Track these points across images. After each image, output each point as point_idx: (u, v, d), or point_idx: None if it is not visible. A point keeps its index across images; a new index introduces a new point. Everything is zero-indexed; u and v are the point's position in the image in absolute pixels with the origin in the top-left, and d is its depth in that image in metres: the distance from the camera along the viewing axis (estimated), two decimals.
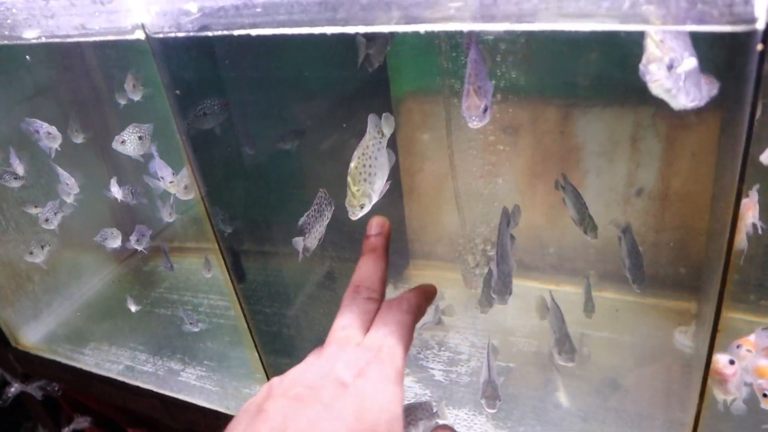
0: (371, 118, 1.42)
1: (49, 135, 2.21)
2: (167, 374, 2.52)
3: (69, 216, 2.55)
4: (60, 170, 2.36)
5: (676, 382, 2.01)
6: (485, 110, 1.34)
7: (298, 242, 1.74)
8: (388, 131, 1.46)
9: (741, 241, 1.73)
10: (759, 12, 0.92)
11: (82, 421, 3.21)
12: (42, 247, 2.59)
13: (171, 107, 1.70)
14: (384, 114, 1.46)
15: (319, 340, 2.37)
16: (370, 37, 1.89)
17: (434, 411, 1.94)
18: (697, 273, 2.28)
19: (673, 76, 1.02)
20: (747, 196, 1.71)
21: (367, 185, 1.42)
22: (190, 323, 2.50)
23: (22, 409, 3.42)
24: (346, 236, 2.20)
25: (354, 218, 1.45)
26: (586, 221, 1.99)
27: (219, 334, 2.63)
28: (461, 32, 1.61)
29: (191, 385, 2.43)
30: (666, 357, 2.12)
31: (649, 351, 2.16)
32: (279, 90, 2.14)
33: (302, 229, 1.75)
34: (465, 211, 2.43)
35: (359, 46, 1.92)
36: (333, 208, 1.77)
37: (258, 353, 2.04)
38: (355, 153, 1.42)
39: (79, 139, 2.48)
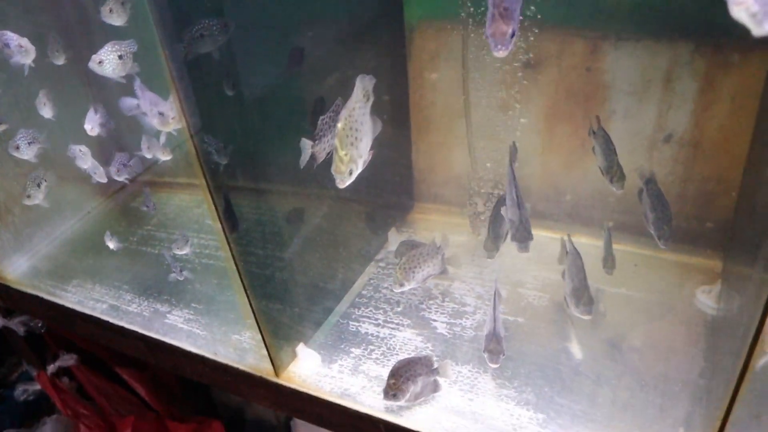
0: (360, 80, 1.36)
1: (21, 49, 1.98)
2: (153, 315, 2.38)
3: (51, 146, 2.36)
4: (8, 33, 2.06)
5: (696, 345, 1.87)
6: (512, 36, 1.16)
7: (306, 144, 1.58)
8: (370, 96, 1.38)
9: None
10: None
11: (68, 359, 3.11)
12: (39, 185, 2.38)
13: (156, 28, 1.50)
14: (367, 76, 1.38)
15: (313, 285, 2.22)
16: None
17: (434, 367, 1.80)
18: (725, 229, 2.12)
19: None
20: None
21: (353, 150, 1.35)
22: (174, 272, 2.33)
23: (5, 344, 3.32)
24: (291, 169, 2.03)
25: (342, 185, 1.35)
26: (614, 170, 1.80)
27: (208, 275, 2.47)
28: None
29: (178, 327, 2.29)
30: (687, 318, 1.97)
31: (668, 310, 2.01)
32: (282, 14, 1.92)
33: (315, 132, 1.60)
34: (476, 152, 2.24)
35: None
36: None
37: (248, 297, 1.88)
38: (342, 113, 1.33)
39: (60, 60, 2.24)
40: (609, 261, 1.92)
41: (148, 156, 2.16)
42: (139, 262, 2.67)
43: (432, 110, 2.35)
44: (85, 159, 2.23)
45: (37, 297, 2.63)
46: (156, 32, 1.52)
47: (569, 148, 2.22)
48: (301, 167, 1.58)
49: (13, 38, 1.97)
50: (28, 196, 2.36)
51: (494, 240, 2.04)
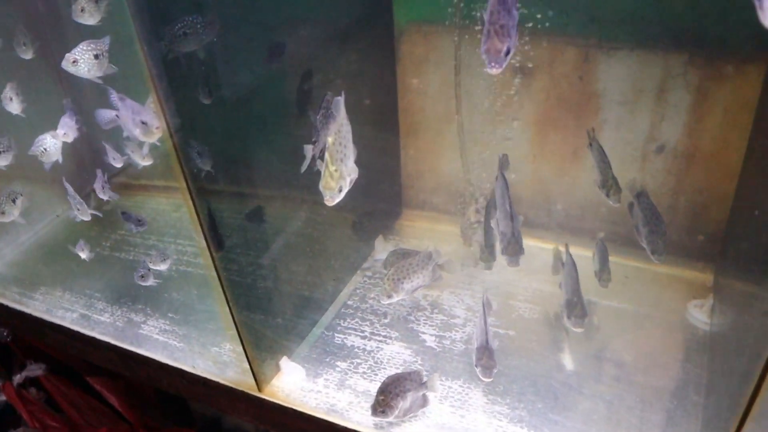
0: (338, 103, 1.36)
1: None
2: (127, 326, 2.27)
3: (19, 145, 2.24)
4: None
5: (690, 360, 1.84)
6: (507, 53, 1.13)
7: (308, 150, 1.56)
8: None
9: None
10: None
11: (36, 369, 2.97)
12: (14, 201, 2.25)
13: (134, 23, 1.41)
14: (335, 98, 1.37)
15: (297, 295, 2.13)
16: None
17: (423, 381, 1.74)
18: (716, 242, 2.10)
19: None
20: None
21: (342, 166, 1.34)
22: (141, 276, 2.19)
23: None
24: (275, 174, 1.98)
25: (331, 203, 1.35)
26: (609, 183, 1.77)
27: (186, 284, 2.37)
28: None
29: (153, 339, 2.20)
30: (679, 332, 1.94)
31: (660, 325, 1.98)
32: (269, 15, 1.84)
33: (315, 130, 1.58)
34: (468, 159, 2.19)
35: None
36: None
37: (229, 307, 1.80)
38: (330, 128, 1.34)
39: (28, 55, 2.11)
40: (605, 274, 1.89)
41: (146, 164, 2.05)
42: (112, 268, 2.55)
43: (421, 116, 2.30)
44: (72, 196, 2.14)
45: (2, 305, 2.50)
46: (134, 27, 1.43)
47: (560, 157, 2.19)
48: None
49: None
50: (2, 213, 2.23)
51: (490, 251, 1.99)
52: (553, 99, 2.12)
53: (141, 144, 1.97)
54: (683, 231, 2.14)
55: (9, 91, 2.07)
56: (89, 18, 1.78)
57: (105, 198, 2.15)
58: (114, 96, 1.82)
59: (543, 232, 2.29)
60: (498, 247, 1.92)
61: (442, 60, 2.15)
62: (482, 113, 2.16)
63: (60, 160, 2.13)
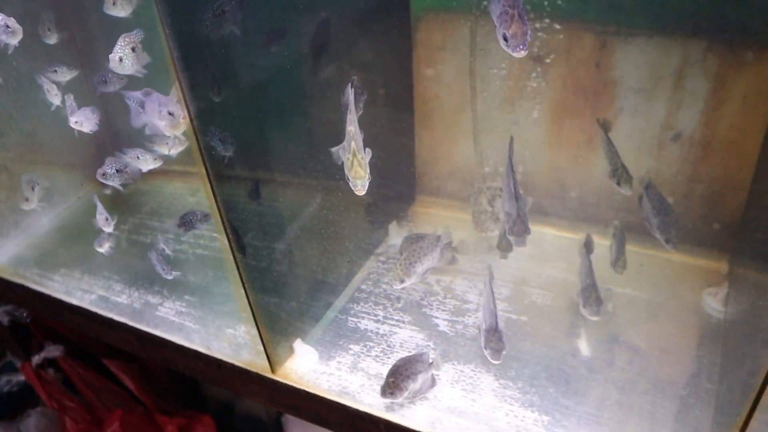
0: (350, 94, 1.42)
1: (7, 29, 1.86)
2: (144, 307, 2.31)
3: (42, 129, 2.27)
4: None
5: (703, 348, 1.83)
6: (529, 36, 1.17)
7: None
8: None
9: None
10: None
11: (54, 350, 3.03)
12: (32, 188, 2.28)
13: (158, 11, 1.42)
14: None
15: (312, 279, 2.15)
16: None
17: (430, 362, 1.76)
18: (732, 231, 2.08)
19: None
20: None
21: (366, 155, 1.37)
22: (163, 270, 2.21)
23: None
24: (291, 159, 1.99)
25: (362, 192, 1.37)
26: (619, 172, 1.78)
27: (202, 267, 2.40)
28: None
29: (170, 321, 2.23)
30: (693, 320, 1.93)
31: (675, 312, 1.97)
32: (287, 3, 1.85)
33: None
34: (482, 146, 2.19)
35: None
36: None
37: (245, 290, 1.82)
38: (350, 117, 1.37)
39: (52, 40, 2.14)
40: (621, 261, 1.89)
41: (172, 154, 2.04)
42: (130, 251, 2.59)
43: (436, 102, 2.30)
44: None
45: (22, 286, 2.55)
46: (158, 12, 1.44)
47: (576, 144, 2.18)
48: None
49: None
50: (27, 200, 2.30)
51: (508, 240, 1.99)
52: (569, 86, 2.11)
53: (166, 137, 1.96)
54: (699, 219, 2.13)
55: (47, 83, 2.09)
56: (121, 11, 1.79)
57: (115, 185, 2.12)
58: (139, 94, 1.83)
59: (557, 220, 2.29)
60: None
61: (458, 47, 2.15)
62: (497, 100, 2.16)
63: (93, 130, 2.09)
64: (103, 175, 2.02)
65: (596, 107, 2.10)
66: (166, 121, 1.78)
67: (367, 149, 1.39)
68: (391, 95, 2.25)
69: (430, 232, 1.91)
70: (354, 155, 1.34)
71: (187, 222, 2.15)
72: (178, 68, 1.50)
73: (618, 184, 1.74)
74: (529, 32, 1.15)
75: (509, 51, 1.16)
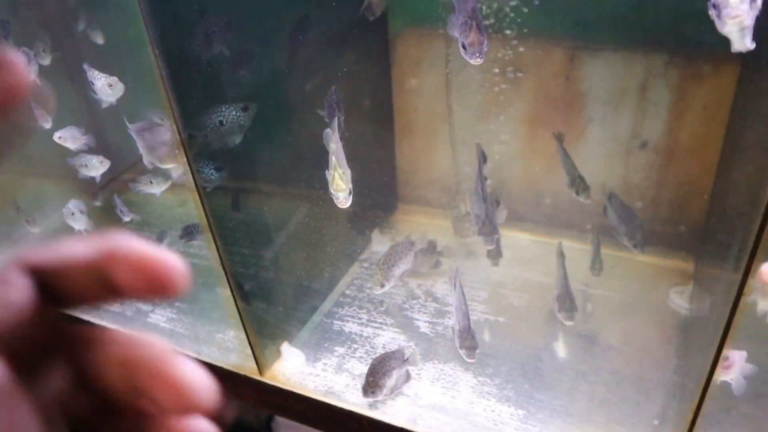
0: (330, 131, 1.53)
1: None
2: (135, 314, 2.38)
3: (32, 143, 2.34)
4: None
5: (670, 343, 1.94)
6: (485, 45, 1.29)
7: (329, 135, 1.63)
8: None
9: None
10: None
11: None
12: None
13: (147, 34, 1.51)
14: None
15: (297, 284, 2.24)
16: None
17: (406, 358, 1.85)
18: (697, 232, 2.20)
19: (753, 11, 0.89)
20: None
21: (346, 169, 1.46)
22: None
23: None
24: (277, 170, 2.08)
25: (345, 204, 1.47)
26: (577, 182, 1.90)
27: (192, 274, 2.47)
28: None
29: (161, 327, 2.30)
30: (661, 317, 2.04)
31: (644, 310, 2.08)
32: (267, 17, 1.95)
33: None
34: (459, 155, 2.29)
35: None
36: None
37: (233, 296, 1.90)
38: (336, 135, 1.48)
39: (46, 61, 2.23)
40: (597, 264, 2.00)
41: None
42: None
43: (415, 115, 2.40)
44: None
45: None
46: (145, 30, 1.53)
47: (549, 153, 2.28)
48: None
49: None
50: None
51: (497, 246, 2.08)
52: (541, 98, 2.22)
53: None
54: (666, 222, 2.24)
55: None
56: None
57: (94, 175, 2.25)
58: (133, 129, 1.91)
59: (532, 225, 2.39)
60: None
61: (434, 62, 2.25)
62: (473, 112, 2.26)
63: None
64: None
65: (567, 118, 2.21)
66: (161, 152, 1.87)
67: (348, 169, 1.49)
68: (371, 109, 2.35)
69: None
70: (335, 170, 1.43)
71: (189, 233, 2.25)
72: (168, 89, 1.59)
73: (577, 193, 1.85)
74: (486, 42, 1.26)
75: (467, 58, 1.27)
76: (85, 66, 1.92)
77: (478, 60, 1.28)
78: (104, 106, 1.93)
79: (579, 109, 2.18)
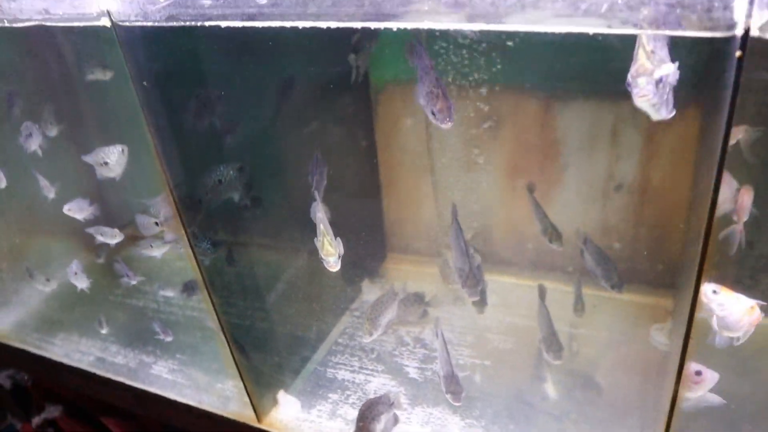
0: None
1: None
2: (139, 366, 2.47)
3: (37, 203, 2.48)
4: None
5: (651, 381, 2.01)
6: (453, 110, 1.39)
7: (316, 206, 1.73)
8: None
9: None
10: (738, 17, 0.90)
11: (53, 410, 3.15)
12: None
13: (139, 100, 1.64)
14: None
15: (293, 335, 2.33)
16: (357, 49, 1.88)
17: (392, 402, 1.92)
18: (674, 270, 2.27)
19: (660, 90, 1.00)
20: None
21: (332, 238, 1.56)
22: (163, 333, 2.44)
23: None
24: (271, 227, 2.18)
25: (335, 268, 1.56)
26: (549, 231, 1.99)
27: (191, 327, 2.58)
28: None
29: (163, 378, 2.39)
30: (642, 355, 2.11)
31: (625, 348, 2.15)
32: (255, 78, 2.08)
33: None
34: (443, 206, 2.40)
35: (351, 62, 1.97)
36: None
37: (229, 348, 2.00)
38: (318, 212, 1.58)
39: (53, 132, 2.39)
40: (579, 305, 2.08)
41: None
42: (125, 314, 2.76)
43: (400, 168, 2.51)
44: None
45: (24, 351, 2.71)
46: (136, 95, 1.65)
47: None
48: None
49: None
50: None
51: (482, 297, 2.16)
52: (518, 147, 2.33)
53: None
54: (645, 261, 2.32)
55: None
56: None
57: (80, 218, 2.34)
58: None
59: (517, 270, 2.48)
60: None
61: (417, 117, 2.37)
62: (455, 163, 2.37)
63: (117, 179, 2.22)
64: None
65: (544, 165, 2.32)
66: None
67: (338, 238, 1.59)
68: (357, 164, 2.46)
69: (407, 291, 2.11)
70: (324, 236, 1.54)
71: (189, 288, 2.37)
72: (164, 163, 1.71)
73: (550, 241, 1.94)
74: (452, 106, 1.38)
75: (438, 124, 1.39)
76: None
77: (449, 124, 1.39)
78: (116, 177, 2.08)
79: (555, 155, 2.28)
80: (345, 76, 2.20)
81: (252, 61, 1.84)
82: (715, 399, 1.58)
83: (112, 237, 2.28)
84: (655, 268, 2.33)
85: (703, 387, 1.54)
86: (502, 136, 2.31)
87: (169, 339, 2.43)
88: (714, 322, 1.37)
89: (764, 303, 1.35)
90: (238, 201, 2.00)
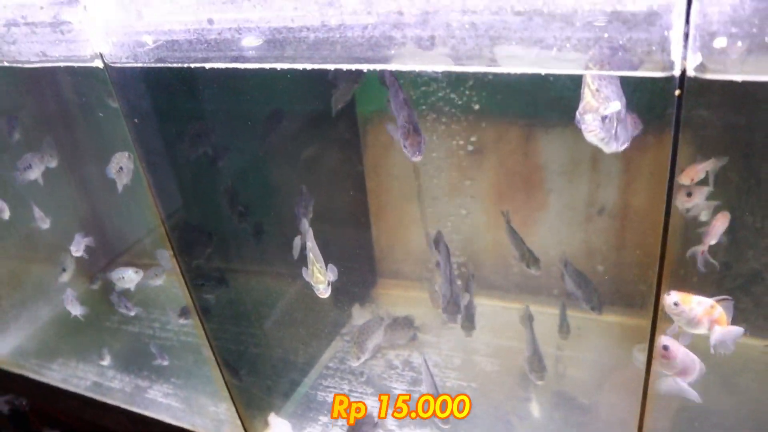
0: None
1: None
2: (134, 391, 2.52)
3: (36, 232, 2.56)
4: None
5: (633, 401, 2.05)
6: (425, 143, 1.51)
7: (296, 243, 1.82)
8: None
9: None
10: (675, 58, 0.97)
11: None
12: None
13: (131, 136, 1.72)
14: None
15: (284, 359, 2.39)
16: (340, 83, 1.96)
17: (375, 422, 1.97)
18: (655, 291, 2.32)
19: (607, 125, 1.07)
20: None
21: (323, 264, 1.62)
22: (160, 358, 2.52)
23: None
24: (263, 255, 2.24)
25: (325, 295, 1.62)
26: (526, 256, 2.05)
27: (185, 352, 2.63)
28: None
29: (158, 402, 2.44)
30: (625, 376, 2.16)
31: (609, 369, 2.19)
32: (242, 116, 2.15)
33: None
34: (430, 230, 2.46)
35: (336, 96, 2.05)
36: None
37: (221, 373, 2.06)
38: (307, 241, 1.64)
39: (53, 164, 2.47)
40: (564, 327, 2.13)
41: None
42: (121, 340, 2.81)
43: (388, 196, 2.58)
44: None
45: (22, 376, 2.76)
46: (128, 131, 1.73)
47: (516, 224, 2.44)
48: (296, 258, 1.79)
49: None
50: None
51: (470, 320, 2.21)
52: (502, 174, 2.40)
53: None
54: (626, 282, 2.37)
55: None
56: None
57: (77, 255, 2.43)
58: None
59: (503, 293, 2.53)
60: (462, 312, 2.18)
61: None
62: (442, 190, 2.44)
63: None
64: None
65: (528, 191, 2.38)
66: None
67: (330, 265, 1.65)
68: (346, 192, 2.53)
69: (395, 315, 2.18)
70: (314, 264, 1.60)
71: (185, 313, 2.44)
72: (152, 186, 1.79)
73: (527, 266, 2.00)
74: (423, 140, 1.46)
75: (409, 156, 1.47)
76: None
77: (418, 157, 1.49)
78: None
79: (538, 181, 2.34)
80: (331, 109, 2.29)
81: (240, 97, 1.92)
82: (693, 394, 1.61)
83: (132, 279, 2.35)
84: (638, 289, 2.38)
85: (675, 365, 1.57)
86: (487, 164, 2.38)
87: (165, 363, 2.49)
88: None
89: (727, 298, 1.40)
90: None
